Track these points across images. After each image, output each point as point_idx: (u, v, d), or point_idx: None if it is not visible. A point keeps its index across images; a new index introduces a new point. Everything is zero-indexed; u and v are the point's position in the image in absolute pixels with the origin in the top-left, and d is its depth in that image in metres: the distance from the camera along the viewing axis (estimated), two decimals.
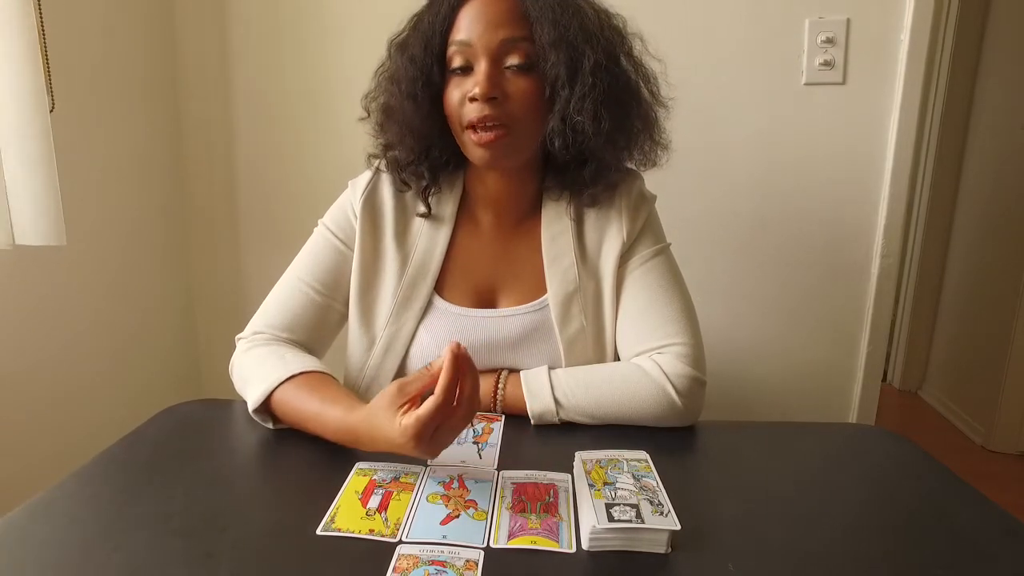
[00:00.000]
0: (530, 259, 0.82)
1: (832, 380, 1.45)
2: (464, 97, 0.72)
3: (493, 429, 0.71)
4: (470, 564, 0.48)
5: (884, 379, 2.58)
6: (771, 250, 1.41)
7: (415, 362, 0.80)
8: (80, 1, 1.22)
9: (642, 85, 0.78)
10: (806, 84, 1.33)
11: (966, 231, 2.45)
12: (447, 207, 0.83)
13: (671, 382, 0.72)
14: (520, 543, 0.51)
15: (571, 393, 0.73)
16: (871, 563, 0.50)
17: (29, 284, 1.15)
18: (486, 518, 0.54)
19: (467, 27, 0.72)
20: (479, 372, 0.58)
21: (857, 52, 1.30)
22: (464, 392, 0.56)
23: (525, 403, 0.73)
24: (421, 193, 0.81)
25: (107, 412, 1.32)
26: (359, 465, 0.62)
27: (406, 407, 0.56)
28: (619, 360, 0.80)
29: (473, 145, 0.73)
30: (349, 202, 0.82)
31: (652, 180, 0.86)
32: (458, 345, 0.54)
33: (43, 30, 1.06)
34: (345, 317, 0.82)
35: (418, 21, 0.76)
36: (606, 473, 0.57)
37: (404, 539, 0.51)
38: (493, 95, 0.70)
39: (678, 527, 0.50)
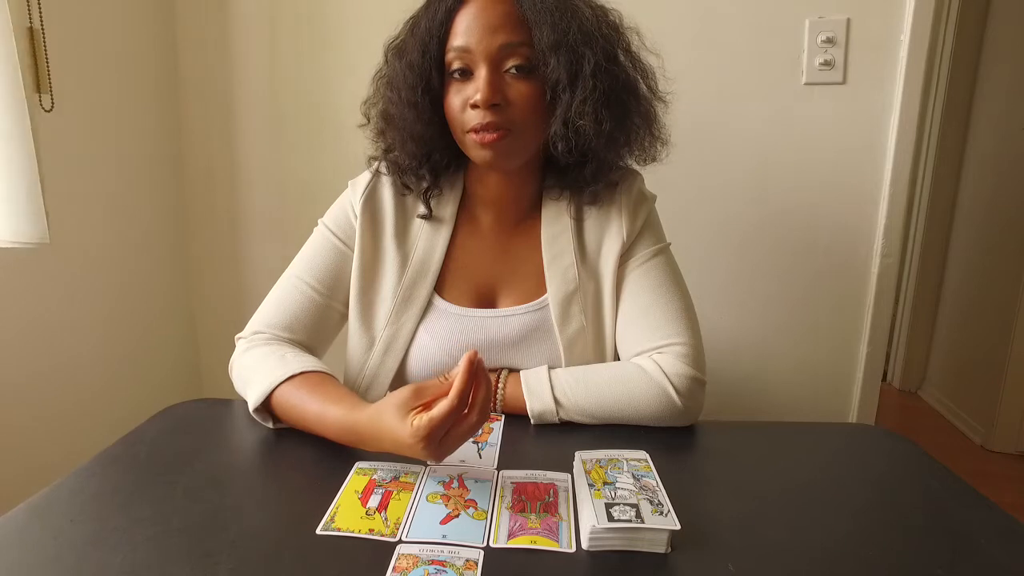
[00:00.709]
0: (530, 259, 0.82)
1: (832, 380, 1.45)
2: (465, 103, 0.72)
3: (493, 429, 0.71)
4: (470, 564, 0.48)
5: (884, 379, 2.58)
6: (771, 250, 1.41)
7: (415, 362, 0.80)
8: (80, 1, 1.22)
9: (640, 80, 0.77)
10: (806, 84, 1.33)
11: (966, 231, 2.45)
12: (447, 207, 0.83)
13: (671, 382, 0.72)
14: (520, 543, 0.51)
15: (571, 393, 0.73)
16: (871, 563, 0.50)
17: (29, 284, 1.15)
18: (486, 518, 0.54)
19: (465, 32, 0.71)
20: None
21: (857, 52, 1.30)
22: (476, 400, 0.56)
23: (525, 402, 0.73)
24: (422, 195, 0.81)
25: (107, 412, 1.32)
26: (359, 465, 0.62)
27: (418, 409, 0.57)
28: (619, 360, 0.80)
29: (475, 146, 0.73)
30: (349, 202, 0.82)
31: (652, 180, 0.86)
32: (475, 353, 0.55)
33: (43, 30, 1.07)
34: (345, 317, 0.82)
35: (414, 25, 0.76)
36: (606, 473, 0.57)
37: (404, 539, 0.51)
38: (495, 101, 0.70)
39: (678, 527, 0.50)
